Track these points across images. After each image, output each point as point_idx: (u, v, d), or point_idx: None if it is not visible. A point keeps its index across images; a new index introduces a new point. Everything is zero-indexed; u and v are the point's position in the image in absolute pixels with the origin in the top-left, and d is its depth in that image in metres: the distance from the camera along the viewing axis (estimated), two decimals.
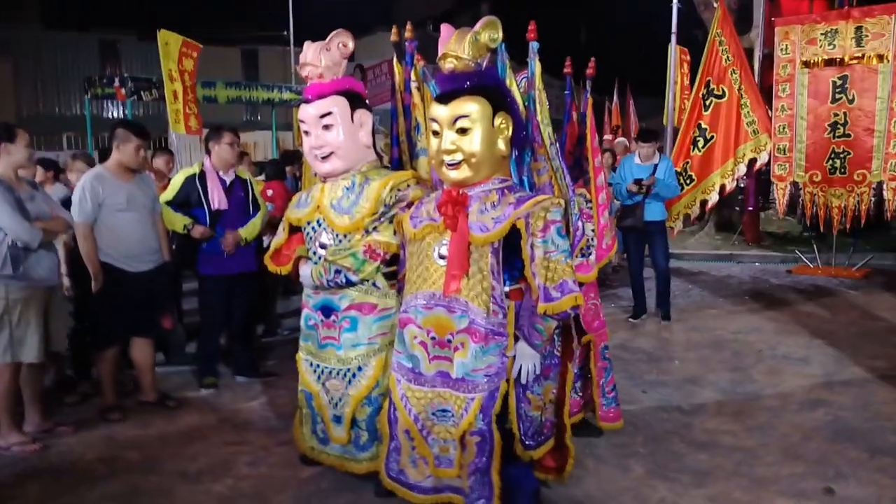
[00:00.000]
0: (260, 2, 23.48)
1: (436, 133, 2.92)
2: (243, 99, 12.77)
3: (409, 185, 3.33)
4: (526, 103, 3.25)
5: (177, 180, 4.91)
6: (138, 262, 4.42)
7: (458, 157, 2.85)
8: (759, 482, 3.49)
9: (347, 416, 3.35)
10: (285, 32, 18.32)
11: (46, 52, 21.76)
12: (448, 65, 2.93)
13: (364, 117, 3.41)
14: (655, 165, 6.53)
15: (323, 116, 3.32)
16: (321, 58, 3.34)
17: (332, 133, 3.33)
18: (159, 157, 6.22)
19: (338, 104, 3.33)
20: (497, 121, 2.87)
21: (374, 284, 3.32)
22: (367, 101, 3.51)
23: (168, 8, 19.33)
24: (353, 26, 3.56)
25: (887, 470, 3.59)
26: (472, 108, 2.82)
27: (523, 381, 2.90)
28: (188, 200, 4.83)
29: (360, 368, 3.32)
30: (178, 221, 4.79)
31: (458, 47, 2.91)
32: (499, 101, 2.90)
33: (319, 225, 3.41)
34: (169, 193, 4.85)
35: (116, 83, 10.50)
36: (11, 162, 3.93)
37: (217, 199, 4.86)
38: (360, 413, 3.34)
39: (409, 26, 3.63)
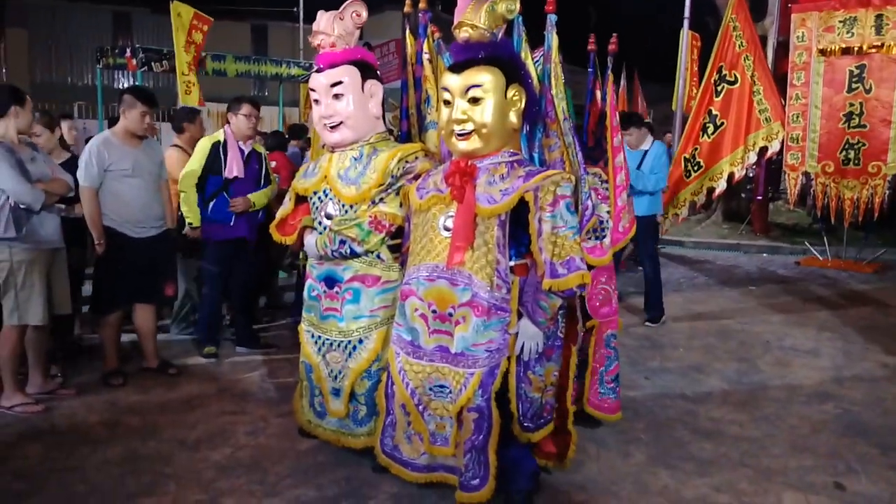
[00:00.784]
0: None
1: (447, 102, 2.87)
2: (252, 73, 12.69)
3: (417, 158, 3.28)
4: (541, 77, 3.17)
5: (203, 146, 4.90)
6: (142, 228, 4.41)
7: (469, 126, 2.80)
8: (765, 473, 3.43)
9: (346, 390, 3.32)
10: (295, 9, 18.19)
11: (60, 22, 21.88)
12: (463, 34, 2.86)
13: (375, 88, 3.36)
14: (645, 152, 6.20)
15: (334, 85, 3.27)
16: (334, 26, 3.30)
17: (342, 103, 3.28)
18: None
19: (349, 74, 3.28)
20: (510, 93, 2.82)
21: (378, 256, 3.28)
22: (378, 73, 3.46)
23: None
24: None
25: None
26: (485, 77, 2.77)
27: (525, 358, 2.85)
28: (212, 166, 4.85)
29: (360, 341, 3.29)
30: (193, 214, 4.82)
31: (474, 16, 2.84)
32: (513, 72, 2.85)
33: (326, 195, 3.37)
34: (198, 160, 4.85)
35: (128, 53, 10.43)
36: (17, 125, 3.91)
37: (235, 167, 4.88)
38: (360, 387, 3.31)
39: None
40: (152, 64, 10.21)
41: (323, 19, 3.31)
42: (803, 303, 7.05)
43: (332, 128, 3.32)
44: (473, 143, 2.82)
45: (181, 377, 4.59)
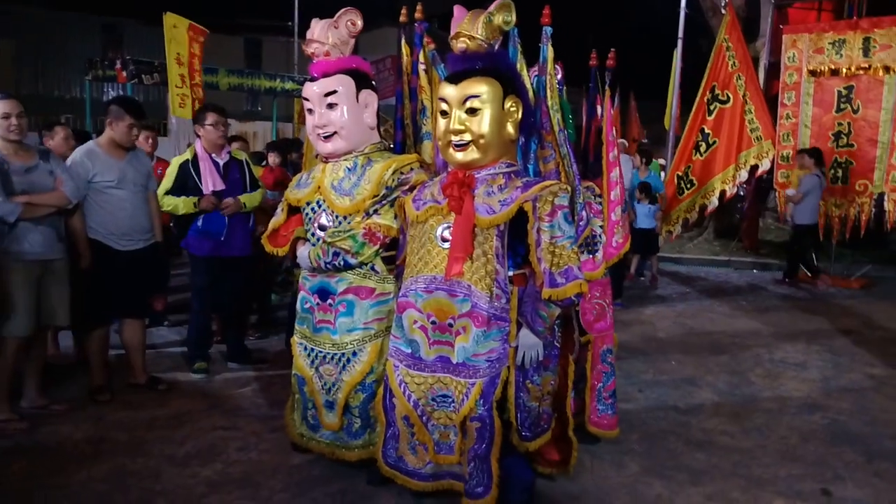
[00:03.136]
0: None
1: (444, 113, 2.87)
2: (245, 87, 12.67)
3: (412, 169, 3.27)
4: (535, 89, 3.19)
5: (171, 169, 4.81)
6: (128, 241, 4.33)
7: (467, 137, 2.80)
8: (756, 482, 3.45)
9: (340, 402, 3.28)
10: (290, 23, 18.22)
11: (49, 33, 21.69)
12: (460, 45, 2.87)
13: (369, 98, 3.34)
14: None
15: (328, 95, 3.25)
16: (328, 35, 3.27)
17: (336, 112, 3.25)
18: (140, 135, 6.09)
19: (343, 83, 3.26)
20: (507, 103, 2.83)
21: (372, 268, 3.26)
22: (373, 82, 3.44)
23: None
24: None
25: (884, 474, 3.57)
26: (482, 88, 2.78)
27: (526, 367, 2.84)
28: (185, 186, 4.74)
29: (354, 353, 3.25)
30: (185, 204, 4.71)
31: (471, 27, 2.85)
32: (509, 83, 2.86)
33: (319, 206, 3.34)
34: (167, 183, 4.76)
35: (118, 65, 10.40)
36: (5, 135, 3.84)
37: (211, 180, 4.78)
38: (354, 399, 3.28)
39: (419, 7, 3.56)
40: (143, 76, 10.19)
41: (317, 28, 3.29)
42: (793, 317, 7.09)
43: (325, 138, 3.29)
44: (471, 154, 2.83)
45: (170, 393, 4.52)
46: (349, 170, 3.30)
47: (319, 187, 3.35)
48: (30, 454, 3.62)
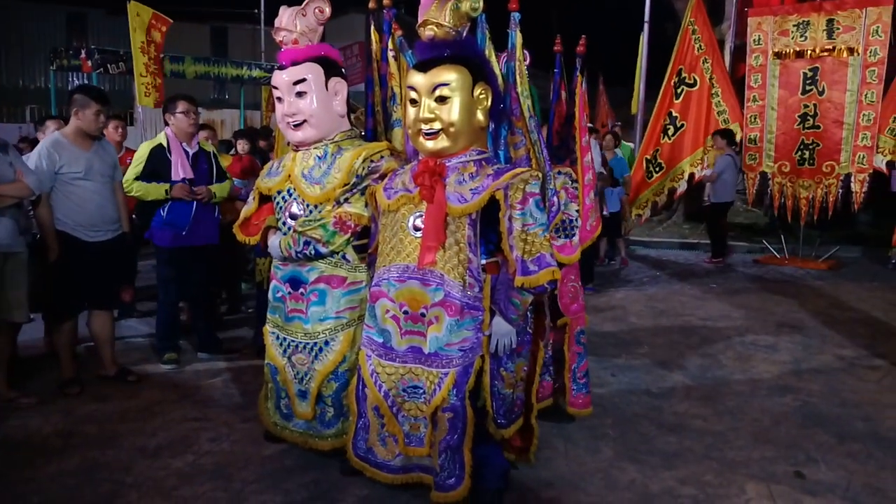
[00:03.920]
0: None
1: (413, 102, 2.85)
2: (212, 75, 12.52)
3: (382, 157, 3.25)
4: (505, 75, 3.17)
5: (141, 153, 4.74)
6: (96, 232, 4.28)
7: (437, 126, 2.78)
8: (729, 465, 3.48)
9: (313, 392, 3.27)
10: (256, 10, 18.01)
11: (12, 22, 21.25)
12: (428, 32, 2.85)
13: (339, 86, 3.31)
14: None
15: (297, 83, 3.21)
16: (297, 23, 3.24)
17: (305, 100, 3.22)
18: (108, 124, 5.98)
19: (312, 71, 3.23)
20: (477, 91, 2.81)
21: (343, 257, 3.24)
22: (342, 70, 3.41)
23: None
24: None
25: (856, 455, 3.61)
26: (452, 76, 2.76)
27: (500, 354, 2.84)
28: (155, 172, 4.66)
29: (326, 343, 3.24)
30: (155, 190, 4.63)
31: (438, 14, 2.84)
32: (479, 71, 2.84)
33: (290, 195, 3.31)
34: (136, 167, 4.68)
35: (83, 54, 10.22)
36: None
37: (181, 169, 4.72)
38: (327, 388, 3.26)
39: None
40: (108, 66, 10.04)
41: (285, 15, 3.26)
42: (763, 299, 7.17)
43: (295, 126, 3.26)
44: (441, 143, 2.81)
45: (141, 384, 4.47)
46: (319, 158, 3.27)
47: (290, 176, 3.32)
48: None
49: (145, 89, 8.34)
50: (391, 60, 3.56)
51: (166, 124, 4.84)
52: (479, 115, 2.84)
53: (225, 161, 6.06)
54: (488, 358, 2.84)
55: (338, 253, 3.21)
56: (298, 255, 3.18)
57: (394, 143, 3.51)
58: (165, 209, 4.70)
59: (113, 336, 4.62)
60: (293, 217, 3.28)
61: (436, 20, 2.84)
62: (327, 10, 3.30)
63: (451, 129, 2.78)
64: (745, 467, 3.46)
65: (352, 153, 3.22)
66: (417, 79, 2.82)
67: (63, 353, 4.36)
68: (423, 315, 2.82)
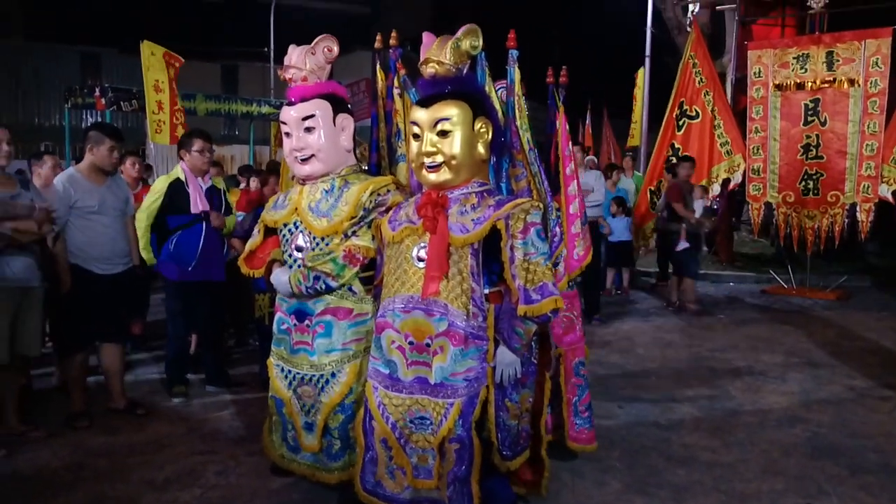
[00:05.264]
0: (241, 18, 23.51)
1: (416, 136, 2.92)
2: (222, 112, 12.70)
3: (388, 190, 3.30)
4: (504, 109, 3.25)
5: (160, 186, 4.80)
6: (108, 265, 4.34)
7: (439, 159, 2.85)
8: (738, 497, 3.45)
9: (319, 424, 3.27)
10: (265, 49, 18.32)
11: (28, 62, 21.66)
12: (430, 70, 2.93)
13: (346, 122, 3.38)
14: None
15: (305, 119, 3.29)
16: (306, 61, 3.34)
17: (313, 136, 3.29)
18: (125, 160, 6.07)
19: (320, 107, 3.31)
20: (477, 125, 2.88)
21: (349, 289, 3.26)
22: (349, 106, 3.49)
23: (150, 22, 19.25)
24: None
25: (869, 488, 3.57)
26: (453, 111, 2.84)
27: (504, 384, 2.86)
28: (174, 204, 4.74)
29: (333, 375, 3.25)
30: (146, 252, 4.75)
31: (439, 53, 2.91)
32: (479, 105, 2.92)
33: (296, 227, 3.35)
34: (153, 199, 4.74)
35: (97, 93, 10.40)
36: None
37: (200, 202, 4.81)
38: (333, 421, 3.27)
39: (394, 34, 3.64)
40: (121, 103, 10.19)
41: (294, 53, 3.35)
42: (771, 330, 7.15)
43: (303, 160, 3.33)
44: (443, 175, 2.87)
45: (149, 417, 4.49)
46: (326, 192, 3.32)
47: (297, 209, 3.37)
48: (8, 481, 3.59)
49: (157, 126, 8.47)
50: (396, 98, 3.64)
51: (181, 159, 4.93)
52: (480, 149, 2.91)
53: (233, 196, 6.14)
54: (493, 388, 2.86)
55: (344, 285, 3.25)
56: (309, 290, 3.19)
57: (399, 177, 3.56)
58: (173, 243, 4.75)
59: (123, 369, 4.66)
60: (299, 249, 3.31)
61: (437, 58, 2.91)
62: (335, 49, 3.39)
63: (453, 162, 2.85)
64: (755, 500, 3.43)
65: (359, 187, 3.27)
66: (420, 114, 2.90)
67: (73, 386, 4.39)
68: (428, 345, 2.84)
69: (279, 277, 3.32)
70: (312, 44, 3.36)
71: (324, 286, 3.18)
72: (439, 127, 2.84)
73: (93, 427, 4.29)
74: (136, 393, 4.86)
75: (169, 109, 8.50)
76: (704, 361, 5.95)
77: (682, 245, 7.82)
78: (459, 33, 2.96)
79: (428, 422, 2.85)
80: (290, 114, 3.34)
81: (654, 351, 6.33)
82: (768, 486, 3.58)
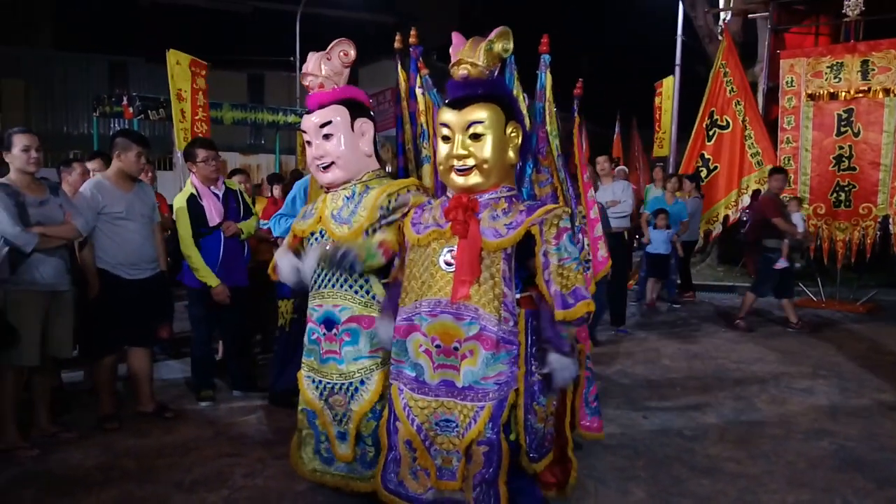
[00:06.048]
0: (267, 28, 23.77)
1: (446, 139, 2.91)
2: (248, 121, 12.87)
3: (408, 191, 3.27)
4: (531, 114, 3.25)
5: (181, 209, 4.81)
6: (136, 270, 4.41)
7: (470, 162, 2.85)
8: None
9: (352, 433, 3.25)
10: (292, 58, 18.49)
11: (57, 72, 22.05)
12: (462, 71, 2.90)
13: (365, 126, 3.35)
14: None
15: (323, 126, 3.27)
16: (322, 67, 3.31)
17: (332, 143, 3.27)
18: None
19: (338, 113, 3.28)
20: (509, 129, 2.88)
21: (374, 297, 3.25)
22: (369, 110, 3.45)
23: (177, 32, 19.52)
24: (357, 55, 3.50)
25: None
26: (485, 114, 2.83)
27: (562, 388, 2.91)
28: (197, 221, 4.80)
29: (362, 382, 3.23)
30: (208, 275, 4.78)
31: (472, 54, 2.89)
32: (510, 109, 2.92)
33: (322, 235, 3.35)
34: (186, 223, 4.77)
35: (125, 101, 10.59)
36: (14, 167, 3.97)
37: (216, 214, 4.87)
38: (366, 428, 3.25)
39: (413, 32, 3.59)
40: (149, 112, 10.38)
41: (311, 60, 3.33)
42: (799, 342, 7.06)
43: (324, 168, 3.31)
44: (473, 179, 2.87)
45: (177, 421, 4.55)
46: (347, 198, 3.32)
47: (321, 217, 3.37)
48: (40, 481, 3.66)
49: (184, 135, 8.60)
50: (420, 97, 3.62)
51: (190, 171, 4.97)
52: (511, 153, 2.91)
53: (260, 203, 6.21)
54: (523, 392, 2.86)
55: (368, 292, 3.22)
56: (333, 261, 3.10)
57: (424, 179, 3.56)
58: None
59: (151, 373, 4.72)
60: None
61: (470, 59, 2.88)
62: (352, 53, 3.34)
63: (485, 166, 2.85)
64: None
65: (377, 191, 3.26)
66: (451, 116, 2.88)
67: (103, 389, 4.46)
68: (455, 349, 2.84)
69: (308, 262, 3.24)
70: (327, 49, 3.33)
71: (349, 264, 3.09)
72: (471, 130, 2.83)
73: (122, 429, 4.36)
74: (165, 397, 4.92)
75: (190, 118, 8.59)
76: (730, 373, 5.90)
77: (782, 264, 7.40)
78: (492, 35, 2.94)
79: (454, 424, 2.85)
80: (309, 121, 3.33)
81: (679, 362, 6.28)
82: (793, 498, 3.54)
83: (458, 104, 2.88)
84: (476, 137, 2.83)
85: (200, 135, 8.64)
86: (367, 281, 3.24)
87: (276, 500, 3.45)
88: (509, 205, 2.89)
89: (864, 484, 3.72)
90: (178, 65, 8.53)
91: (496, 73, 3.01)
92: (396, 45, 3.70)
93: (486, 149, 2.84)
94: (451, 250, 2.86)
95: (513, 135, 2.89)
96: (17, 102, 21.24)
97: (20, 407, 4.09)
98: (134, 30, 23.43)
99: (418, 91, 3.63)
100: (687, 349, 6.75)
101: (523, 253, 2.83)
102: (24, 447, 3.96)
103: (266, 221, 5.85)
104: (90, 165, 5.46)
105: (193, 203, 4.82)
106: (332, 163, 3.29)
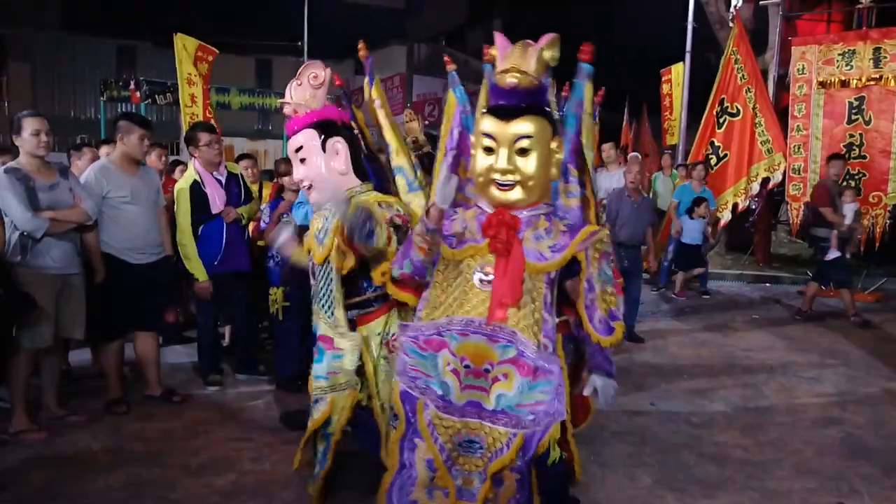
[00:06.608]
0: (275, 12, 23.67)
1: (489, 150, 2.69)
2: (256, 106, 12.88)
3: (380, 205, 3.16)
4: (564, 124, 3.08)
5: (183, 196, 4.78)
6: (141, 255, 4.41)
7: (515, 178, 2.66)
8: (770, 496, 3.44)
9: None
10: (299, 43, 18.40)
11: (64, 56, 22.02)
12: (511, 80, 2.63)
13: (338, 145, 3.24)
14: None
15: (297, 151, 3.25)
16: (292, 94, 3.28)
17: (307, 167, 3.24)
18: (152, 152, 6.11)
19: (309, 137, 3.23)
20: (553, 144, 2.71)
21: (335, 322, 3.18)
22: (345, 128, 3.37)
23: (185, 16, 19.47)
24: (366, 39, 3.48)
25: None
26: (534, 128, 2.63)
27: (609, 402, 2.84)
28: (200, 207, 4.77)
29: (316, 401, 3.21)
30: (198, 268, 4.76)
31: (523, 62, 2.64)
32: (554, 123, 2.76)
33: (310, 258, 3.34)
34: (187, 207, 4.74)
35: (132, 86, 10.59)
36: (24, 151, 3.96)
37: (219, 200, 4.85)
38: (320, 441, 3.28)
39: (361, 43, 3.51)
40: (156, 96, 10.38)
41: (287, 88, 3.31)
42: (806, 331, 7.05)
43: (307, 190, 3.31)
44: (516, 195, 2.68)
45: (185, 405, 4.57)
46: (326, 219, 3.27)
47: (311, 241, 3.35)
48: (48, 463, 3.68)
49: (191, 119, 8.57)
50: (378, 110, 3.55)
51: (192, 156, 4.95)
52: (554, 169, 2.75)
53: (268, 188, 6.21)
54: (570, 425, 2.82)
55: (330, 308, 3.18)
56: (356, 222, 2.88)
57: (399, 189, 3.49)
58: (198, 239, 4.80)
59: (158, 357, 4.73)
60: (313, 275, 3.29)
61: (522, 68, 2.63)
62: (321, 75, 3.28)
63: (530, 183, 2.66)
64: (787, 498, 3.42)
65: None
66: (496, 127, 2.66)
67: (110, 373, 4.48)
68: (486, 371, 2.68)
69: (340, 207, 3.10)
70: (297, 74, 3.28)
71: (368, 230, 2.90)
72: (519, 144, 2.63)
73: (130, 413, 4.38)
74: (172, 381, 4.93)
75: (202, 102, 8.56)
76: (738, 361, 5.90)
77: (833, 254, 7.23)
78: (542, 42, 2.70)
79: (477, 445, 2.71)
80: (289, 148, 3.34)
81: (687, 349, 6.28)
82: (800, 485, 3.56)
83: (504, 114, 2.66)
84: (523, 152, 2.63)
85: (212, 120, 8.62)
86: (332, 304, 3.19)
87: (284, 484, 3.46)
88: (549, 223, 2.73)
89: (870, 471, 3.74)
90: (185, 49, 8.49)
91: (546, 83, 2.81)
92: (361, 54, 3.58)
93: (533, 165, 2.64)
94: (488, 267, 2.69)
95: (556, 150, 2.73)
96: (23, 86, 21.26)
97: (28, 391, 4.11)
98: (142, 13, 23.34)
99: (376, 104, 3.55)
100: (695, 337, 6.74)
101: (561, 275, 2.74)
102: (32, 430, 3.99)
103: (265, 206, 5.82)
104: (103, 151, 5.45)
105: (197, 189, 4.81)
106: (311, 185, 3.27)
